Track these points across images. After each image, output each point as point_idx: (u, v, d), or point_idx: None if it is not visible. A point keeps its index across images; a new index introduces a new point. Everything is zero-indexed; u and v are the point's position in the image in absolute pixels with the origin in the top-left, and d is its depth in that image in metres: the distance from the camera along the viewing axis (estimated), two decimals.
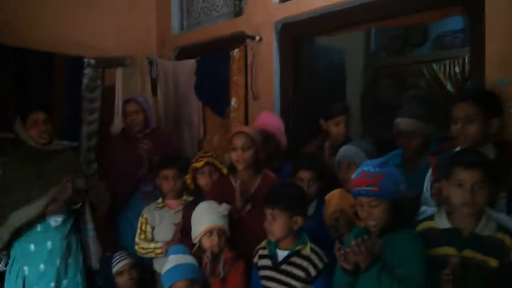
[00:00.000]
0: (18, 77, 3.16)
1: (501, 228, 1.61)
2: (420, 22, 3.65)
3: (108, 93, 3.52)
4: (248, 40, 3.27)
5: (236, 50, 3.37)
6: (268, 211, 1.93)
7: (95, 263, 2.65)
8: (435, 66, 4.28)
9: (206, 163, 2.53)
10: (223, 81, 3.42)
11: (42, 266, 2.50)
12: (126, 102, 3.10)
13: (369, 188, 1.68)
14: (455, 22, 4.07)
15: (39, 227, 2.53)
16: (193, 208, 2.26)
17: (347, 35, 3.64)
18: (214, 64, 3.52)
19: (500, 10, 2.12)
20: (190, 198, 2.62)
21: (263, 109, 3.08)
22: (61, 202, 2.50)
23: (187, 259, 2.10)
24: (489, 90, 2.04)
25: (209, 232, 2.13)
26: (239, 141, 2.27)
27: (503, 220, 1.70)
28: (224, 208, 2.18)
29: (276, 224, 1.91)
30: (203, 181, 2.52)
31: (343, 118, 2.66)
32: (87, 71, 3.45)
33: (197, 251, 2.15)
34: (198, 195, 2.52)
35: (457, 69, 4.12)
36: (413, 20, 2.78)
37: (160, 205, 2.65)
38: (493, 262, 1.55)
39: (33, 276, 2.49)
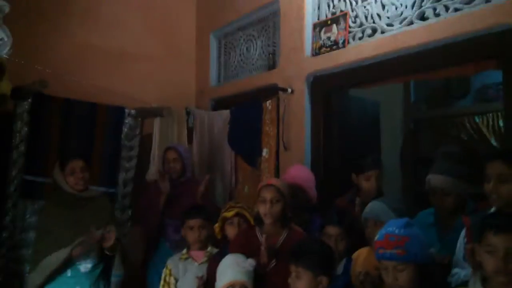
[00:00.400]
0: (63, 125, 3.37)
1: None
2: (453, 75, 3.58)
3: (145, 142, 3.66)
4: (280, 92, 3.33)
5: (269, 101, 3.43)
6: (292, 268, 1.87)
7: None
8: (477, 119, 4.12)
9: (236, 214, 2.52)
10: (256, 131, 3.46)
11: None
12: (167, 149, 3.22)
13: (394, 251, 1.60)
14: (498, 75, 3.93)
15: (69, 273, 2.58)
16: (218, 261, 2.23)
17: (383, 87, 3.60)
18: (247, 114, 3.59)
19: None
20: (215, 250, 2.59)
21: (294, 160, 3.08)
22: (86, 246, 2.54)
23: None
24: None
25: (231, 287, 2.08)
26: (268, 194, 2.25)
27: None
28: (249, 263, 2.13)
29: (300, 283, 1.84)
30: (231, 231, 2.51)
31: (374, 173, 2.59)
32: (128, 120, 3.62)
33: None
34: (224, 248, 2.48)
35: (501, 123, 3.94)
36: (447, 74, 2.73)
37: (184, 256, 2.62)
38: None
39: None
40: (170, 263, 2.62)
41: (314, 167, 3.04)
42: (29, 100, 3.18)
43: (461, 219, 2.18)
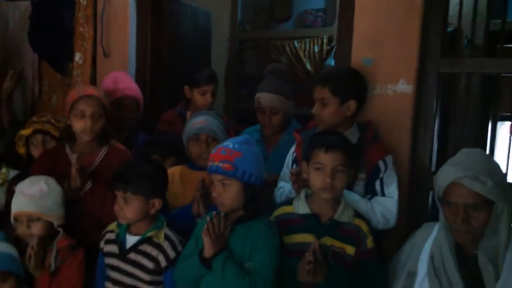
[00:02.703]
0: None
1: (358, 214, 1.59)
2: None
3: None
4: None
5: None
6: (119, 194, 1.61)
7: None
8: (296, 44, 4.29)
9: (36, 131, 2.09)
10: (65, 31, 2.86)
11: None
12: None
13: (220, 164, 1.50)
14: (317, 1, 4.13)
15: None
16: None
17: None
18: (55, 9, 2.92)
19: None
20: (13, 172, 2.17)
21: (115, 68, 2.68)
22: None
23: (2, 247, 1.67)
24: (346, 71, 1.94)
25: (15, 219, 1.74)
26: (89, 108, 1.90)
27: (355, 200, 1.69)
28: (38, 188, 1.74)
29: (129, 208, 1.61)
30: (36, 152, 2.10)
31: (210, 88, 2.45)
32: None
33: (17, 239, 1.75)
34: (25, 169, 2.04)
35: (316, 49, 4.19)
36: None
37: None
38: (350, 250, 1.52)
39: None
40: None
41: (139, 78, 2.70)
42: None
43: (285, 136, 2.26)
